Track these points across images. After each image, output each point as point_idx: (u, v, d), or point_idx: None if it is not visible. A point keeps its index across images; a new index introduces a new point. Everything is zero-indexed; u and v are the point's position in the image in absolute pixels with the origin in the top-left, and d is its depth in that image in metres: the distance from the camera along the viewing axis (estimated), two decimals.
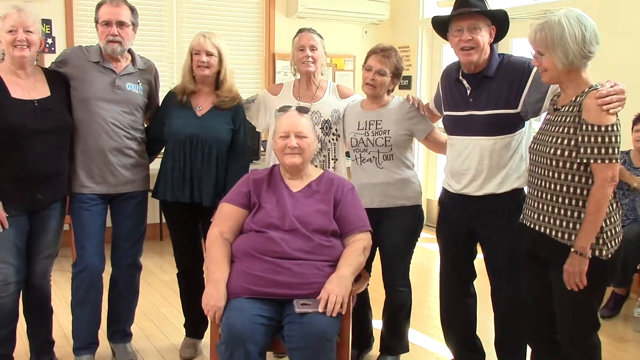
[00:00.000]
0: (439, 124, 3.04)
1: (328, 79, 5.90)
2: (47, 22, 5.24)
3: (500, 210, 2.66)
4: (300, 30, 3.18)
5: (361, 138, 3.02)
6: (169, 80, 3.87)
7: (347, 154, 3.22)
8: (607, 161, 2.15)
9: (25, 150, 2.70)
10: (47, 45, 5.27)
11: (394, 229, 2.98)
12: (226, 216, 2.61)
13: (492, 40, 2.63)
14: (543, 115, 2.52)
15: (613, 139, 2.14)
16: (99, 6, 2.92)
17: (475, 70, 2.66)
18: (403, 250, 3.04)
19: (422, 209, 3.13)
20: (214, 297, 2.37)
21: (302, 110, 2.72)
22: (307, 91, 3.19)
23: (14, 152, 2.68)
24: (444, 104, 2.84)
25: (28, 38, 2.68)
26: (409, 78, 6.55)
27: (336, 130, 3.16)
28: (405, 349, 3.24)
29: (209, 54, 3.03)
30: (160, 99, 3.26)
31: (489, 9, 2.61)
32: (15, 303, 2.85)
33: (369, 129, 3.01)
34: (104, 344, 3.23)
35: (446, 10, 4.36)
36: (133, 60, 3.05)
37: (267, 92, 3.33)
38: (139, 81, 3.04)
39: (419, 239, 3.11)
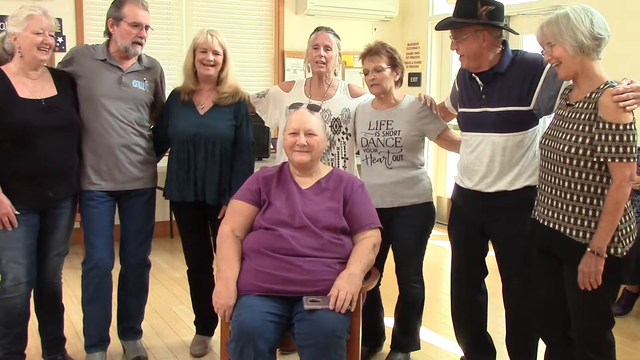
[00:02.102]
0: (452, 121, 3.03)
1: (338, 77, 5.91)
2: (57, 20, 5.25)
3: (511, 207, 2.65)
4: (318, 29, 3.18)
5: (371, 138, 3.01)
6: (178, 79, 3.88)
7: (358, 153, 3.21)
8: (625, 160, 2.13)
9: (34, 149, 2.71)
10: (58, 44, 5.27)
11: (405, 227, 2.98)
12: (237, 213, 2.62)
13: (488, 42, 2.59)
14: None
15: (631, 138, 2.13)
16: (121, 4, 2.91)
17: (483, 69, 2.65)
18: (415, 247, 3.05)
19: (433, 206, 3.12)
20: (224, 295, 2.37)
21: (313, 108, 2.72)
22: (319, 89, 3.19)
23: (23, 151, 2.70)
24: (459, 101, 2.83)
25: (51, 42, 2.72)
26: (418, 75, 6.52)
27: (346, 129, 3.15)
28: (416, 346, 3.24)
29: (215, 53, 3.02)
30: (167, 95, 3.27)
31: (480, 11, 2.55)
32: (27, 302, 2.87)
33: (380, 129, 3.01)
34: (114, 341, 3.24)
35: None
36: (139, 58, 3.06)
37: (279, 89, 3.32)
38: (144, 79, 3.05)
39: (430, 236, 3.11)
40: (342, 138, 3.15)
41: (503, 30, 2.62)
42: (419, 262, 3.10)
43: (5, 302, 2.79)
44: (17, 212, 2.71)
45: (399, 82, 3.05)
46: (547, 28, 2.25)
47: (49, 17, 2.73)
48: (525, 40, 5.31)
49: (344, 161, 3.17)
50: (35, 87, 2.76)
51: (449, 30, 2.68)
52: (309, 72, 3.23)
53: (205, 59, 3.02)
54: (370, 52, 2.97)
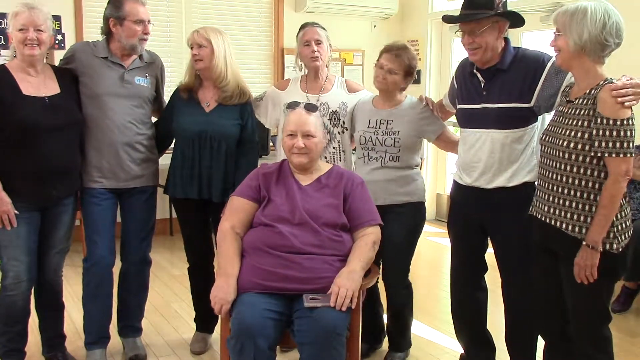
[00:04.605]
0: (451, 118, 3.03)
1: (337, 73, 5.91)
2: (56, 18, 5.26)
3: (510, 203, 2.65)
4: (304, 26, 3.18)
5: (370, 137, 3.02)
6: (178, 77, 3.87)
7: (354, 150, 3.22)
8: (621, 155, 2.13)
9: (38, 147, 2.71)
10: (57, 42, 5.29)
11: (396, 225, 2.97)
12: (237, 209, 2.62)
13: (501, 35, 2.60)
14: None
15: (628, 133, 2.13)
16: (120, 3, 2.90)
17: (489, 64, 2.65)
18: (404, 246, 3.05)
19: (425, 207, 3.12)
20: (223, 290, 2.38)
21: (310, 108, 2.70)
22: (315, 84, 3.20)
23: (26, 148, 2.70)
24: (458, 97, 2.83)
25: (38, 37, 2.69)
26: (418, 72, 6.48)
27: (343, 122, 3.16)
28: (409, 343, 3.26)
29: (199, 46, 3.03)
30: (167, 94, 3.27)
31: (497, 2, 2.57)
32: (27, 300, 2.87)
33: (379, 128, 3.01)
34: (115, 339, 3.24)
35: (455, 4, 4.32)
36: (140, 55, 3.06)
37: (275, 88, 3.34)
38: (146, 74, 3.06)
39: (420, 236, 3.12)
40: (340, 132, 3.16)
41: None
42: (406, 264, 3.09)
43: (6, 300, 2.79)
44: (16, 212, 2.70)
45: (403, 89, 3.06)
46: (562, 16, 2.25)
47: (35, 12, 2.69)
48: (525, 38, 5.31)
49: (343, 154, 3.18)
50: (39, 85, 2.77)
51: (454, 24, 2.67)
52: (301, 70, 3.24)
53: (193, 54, 3.05)
54: (394, 53, 2.95)
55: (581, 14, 2.20)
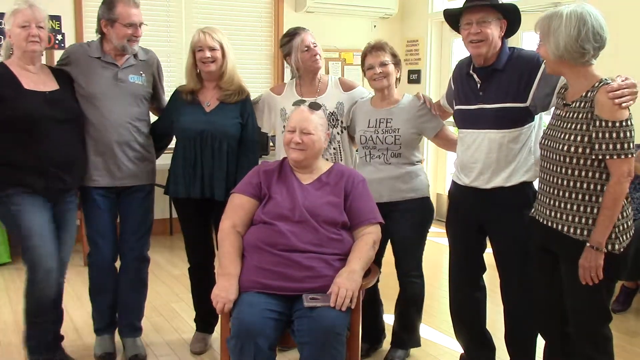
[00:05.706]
0: (449, 119, 3.04)
1: (336, 73, 5.90)
2: (56, 18, 5.26)
3: (509, 203, 2.65)
4: (297, 33, 3.13)
5: (370, 136, 3.02)
6: (178, 77, 3.86)
7: (356, 151, 3.22)
8: (622, 156, 2.14)
9: (41, 140, 2.73)
10: (57, 42, 5.29)
11: (403, 221, 2.99)
12: (237, 207, 2.62)
13: (502, 34, 2.62)
14: (552, 110, 2.51)
15: (628, 134, 2.13)
16: (112, 5, 2.90)
17: (485, 64, 2.65)
18: (414, 241, 3.06)
19: (431, 201, 3.13)
20: (225, 289, 2.37)
21: (313, 106, 2.71)
22: (311, 87, 3.19)
23: (30, 142, 2.72)
24: (455, 98, 2.83)
25: (39, 34, 2.73)
26: (418, 72, 6.52)
27: (342, 122, 3.17)
28: (416, 343, 3.25)
29: (212, 49, 3.02)
30: (167, 93, 3.27)
31: (499, 2, 2.60)
32: (58, 291, 2.90)
33: (379, 127, 3.02)
34: (115, 338, 3.24)
35: (455, 4, 4.33)
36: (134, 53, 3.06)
37: (271, 93, 3.32)
38: (141, 72, 3.06)
39: (429, 231, 3.13)
40: (339, 132, 3.17)
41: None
42: (418, 257, 3.11)
43: (36, 292, 2.80)
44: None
45: (398, 81, 3.09)
46: (541, 23, 2.26)
47: (36, 9, 2.74)
48: (525, 38, 5.31)
49: (342, 153, 3.19)
50: (38, 81, 2.80)
51: (451, 23, 2.68)
52: (297, 76, 3.20)
53: (204, 57, 3.02)
54: (375, 48, 3.00)
55: (557, 21, 2.20)
